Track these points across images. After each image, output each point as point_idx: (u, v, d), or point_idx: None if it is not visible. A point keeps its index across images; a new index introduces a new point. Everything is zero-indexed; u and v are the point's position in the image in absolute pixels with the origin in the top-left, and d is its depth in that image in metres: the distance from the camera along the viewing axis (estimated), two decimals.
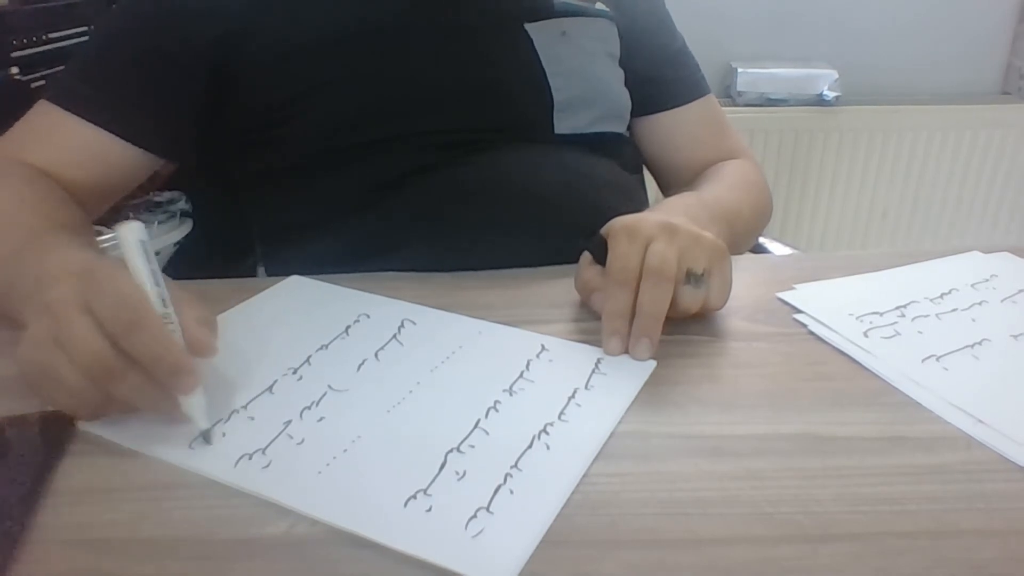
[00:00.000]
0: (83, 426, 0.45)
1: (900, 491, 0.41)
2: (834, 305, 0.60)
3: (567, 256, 0.62)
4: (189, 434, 0.44)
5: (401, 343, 0.54)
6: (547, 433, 0.44)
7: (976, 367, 0.53)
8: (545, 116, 0.74)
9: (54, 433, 0.44)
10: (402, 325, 0.56)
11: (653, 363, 0.52)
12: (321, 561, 0.36)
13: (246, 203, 0.76)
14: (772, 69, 1.77)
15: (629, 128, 0.83)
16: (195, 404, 0.44)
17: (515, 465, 0.41)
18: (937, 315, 0.59)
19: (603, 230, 0.57)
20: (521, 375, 0.50)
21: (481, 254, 0.67)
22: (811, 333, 0.57)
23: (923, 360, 0.53)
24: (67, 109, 0.67)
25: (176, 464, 0.42)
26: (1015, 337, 0.56)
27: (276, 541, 0.37)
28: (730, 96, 1.80)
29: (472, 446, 0.43)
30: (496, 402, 0.47)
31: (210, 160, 0.75)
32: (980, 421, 0.46)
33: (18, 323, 0.51)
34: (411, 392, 0.48)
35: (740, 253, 0.79)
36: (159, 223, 1.36)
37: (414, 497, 0.39)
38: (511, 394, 0.48)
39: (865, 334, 0.56)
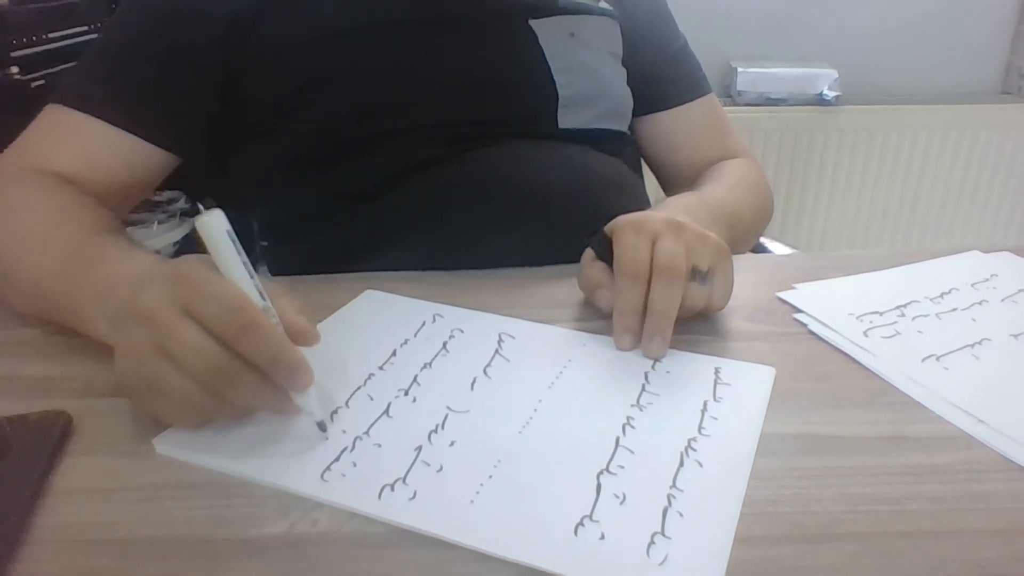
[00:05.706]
0: (195, 459, 0.42)
1: (900, 491, 0.41)
2: (834, 305, 0.60)
3: (569, 252, 0.62)
4: (320, 464, 0.42)
5: (507, 359, 0.53)
6: (694, 449, 0.43)
7: (976, 367, 0.53)
8: (549, 111, 0.74)
9: (54, 433, 0.44)
10: (501, 339, 0.55)
11: (772, 370, 0.52)
12: (321, 561, 0.36)
13: (247, 199, 0.76)
14: (772, 69, 1.77)
15: (630, 127, 0.83)
16: (310, 396, 0.43)
17: (673, 485, 0.41)
18: (937, 315, 0.59)
19: (607, 227, 0.57)
20: (644, 388, 0.49)
21: (484, 248, 0.67)
22: (811, 333, 0.57)
23: (923, 360, 0.53)
24: (85, 112, 0.66)
25: (313, 496, 0.40)
26: (1015, 337, 0.56)
27: (276, 541, 0.37)
28: (730, 96, 1.80)
29: (621, 467, 0.42)
30: (629, 418, 0.46)
31: (211, 156, 0.75)
32: (980, 421, 0.46)
33: (81, 331, 0.52)
34: (536, 411, 0.47)
35: (741, 253, 0.79)
36: (159, 223, 1.37)
37: (582, 524, 0.38)
38: (640, 409, 0.47)
39: (865, 334, 0.56)
